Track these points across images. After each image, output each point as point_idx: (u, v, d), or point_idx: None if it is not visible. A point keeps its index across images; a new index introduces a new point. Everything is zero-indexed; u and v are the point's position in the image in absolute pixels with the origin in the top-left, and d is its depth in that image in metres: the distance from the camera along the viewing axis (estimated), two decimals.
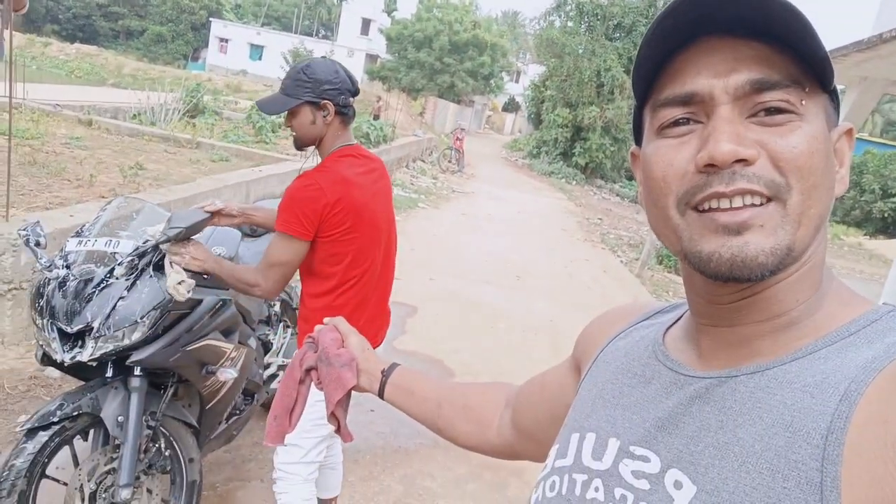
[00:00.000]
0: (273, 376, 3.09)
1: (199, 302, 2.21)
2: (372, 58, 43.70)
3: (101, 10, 52.75)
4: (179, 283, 1.95)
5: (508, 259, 8.35)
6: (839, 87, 0.58)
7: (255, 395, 2.86)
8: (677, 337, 0.69)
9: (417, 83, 33.06)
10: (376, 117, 22.19)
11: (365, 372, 1.05)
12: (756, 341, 0.59)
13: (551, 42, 22.30)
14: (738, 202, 0.55)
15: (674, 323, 0.72)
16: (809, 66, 0.56)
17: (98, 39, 49.18)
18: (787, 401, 0.53)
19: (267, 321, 3.14)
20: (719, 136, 0.54)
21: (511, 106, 51.94)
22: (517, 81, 48.65)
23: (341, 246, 2.01)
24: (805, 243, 0.56)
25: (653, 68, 0.60)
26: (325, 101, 1.98)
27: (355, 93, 2.06)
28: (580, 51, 21.63)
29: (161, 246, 2.01)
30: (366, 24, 47.59)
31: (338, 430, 1.07)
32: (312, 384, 1.09)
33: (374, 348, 2.16)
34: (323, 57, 2.10)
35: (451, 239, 8.94)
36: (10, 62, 3.62)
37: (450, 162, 17.40)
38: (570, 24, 22.86)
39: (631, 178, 23.52)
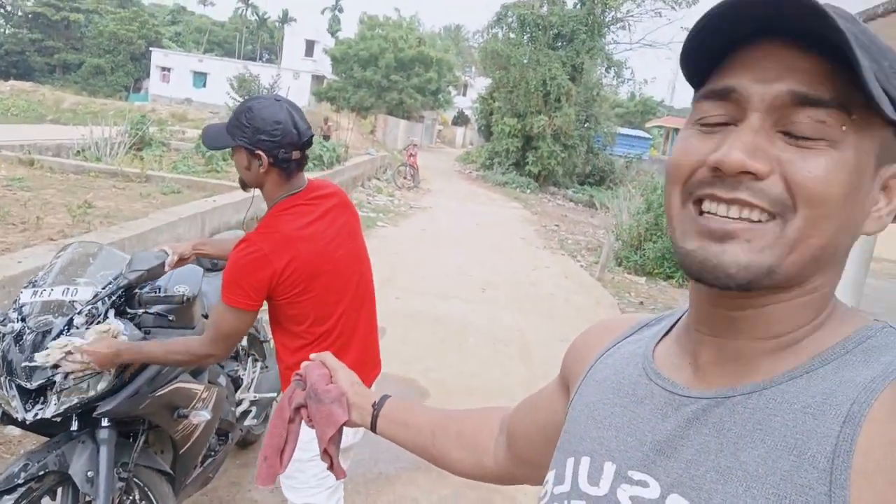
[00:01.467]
0: (246, 413, 3.01)
1: None
2: (318, 79, 43.58)
3: (34, 44, 51.40)
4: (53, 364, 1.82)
5: (471, 272, 8.37)
6: None
7: (230, 434, 2.78)
8: (669, 352, 0.68)
9: (366, 102, 33.10)
10: (326, 138, 22.35)
11: (356, 406, 1.02)
12: (754, 359, 0.59)
13: (496, 54, 22.61)
14: (734, 212, 0.54)
15: (662, 337, 0.71)
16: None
17: (33, 75, 47.76)
18: (788, 422, 0.53)
19: (235, 357, 3.06)
20: (735, 142, 0.54)
21: (460, 119, 52.35)
22: (465, 95, 49.11)
23: (299, 308, 1.89)
24: (794, 270, 0.55)
25: (707, 59, 0.59)
26: (259, 152, 1.82)
27: (303, 145, 1.88)
28: (525, 61, 21.99)
29: (52, 353, 1.82)
30: (310, 45, 47.45)
31: (331, 467, 1.05)
32: (303, 423, 1.06)
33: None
34: (277, 99, 1.90)
35: (413, 256, 8.92)
36: None
37: (405, 178, 17.41)
38: (512, 35, 23.23)
39: (582, 183, 23.94)
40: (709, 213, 0.56)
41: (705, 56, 0.58)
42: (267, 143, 1.81)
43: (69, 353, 1.81)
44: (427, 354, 5.18)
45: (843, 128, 0.52)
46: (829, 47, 0.51)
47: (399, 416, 1.01)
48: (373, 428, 1.01)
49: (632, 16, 24.09)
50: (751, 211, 0.54)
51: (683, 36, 0.62)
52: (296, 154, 1.87)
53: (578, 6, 22.84)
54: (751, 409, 0.55)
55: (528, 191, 21.35)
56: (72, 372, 1.84)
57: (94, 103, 31.59)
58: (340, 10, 71.47)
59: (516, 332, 6.11)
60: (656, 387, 0.64)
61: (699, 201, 0.57)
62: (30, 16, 53.66)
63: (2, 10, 55.75)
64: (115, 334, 1.92)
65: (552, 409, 0.84)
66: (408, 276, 7.66)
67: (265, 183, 1.91)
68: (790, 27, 0.53)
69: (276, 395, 3.10)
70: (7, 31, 54.18)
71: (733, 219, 0.54)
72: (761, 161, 0.53)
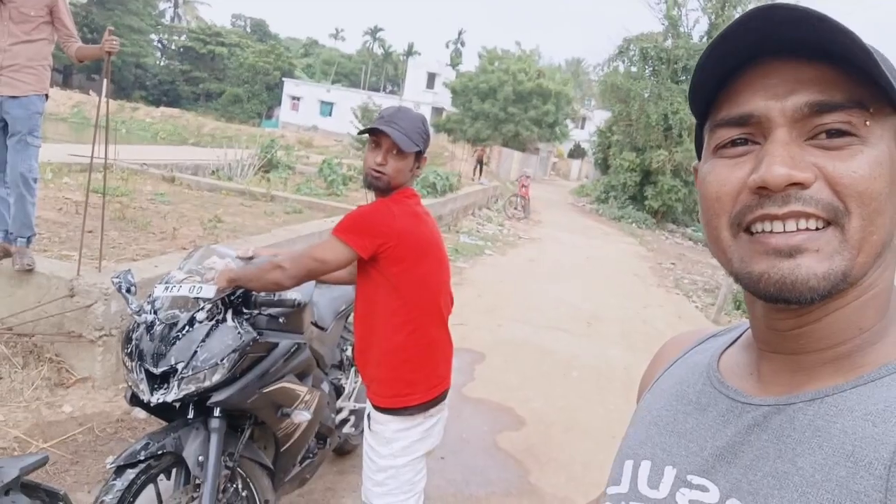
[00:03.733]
0: (345, 421, 3.11)
1: (276, 345, 2.28)
2: (437, 111, 44.78)
3: (183, 75, 56.49)
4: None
5: (579, 305, 8.22)
6: None
7: (328, 439, 2.89)
8: (733, 362, 0.68)
9: (482, 133, 33.62)
10: (480, 161, 24.10)
11: None
12: (817, 369, 0.58)
13: (616, 87, 22.31)
14: (791, 226, 0.54)
15: (728, 347, 0.71)
16: (876, 86, 0.53)
17: (181, 102, 52.47)
18: (847, 429, 0.51)
19: (339, 366, 3.18)
20: (773, 158, 0.54)
21: (577, 152, 51.93)
22: (582, 128, 48.73)
23: (404, 284, 2.00)
24: (863, 270, 0.54)
25: (711, 88, 0.60)
26: (425, 157, 2.10)
27: None
28: (646, 95, 21.54)
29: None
30: (431, 77, 48.98)
31: None
32: None
33: (445, 390, 2.15)
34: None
35: (519, 285, 8.89)
36: (105, 127, 3.90)
37: (515, 209, 17.44)
38: (633, 68, 22.85)
39: None
40: (763, 232, 0.55)
41: (705, 88, 0.60)
42: (426, 147, 2.10)
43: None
44: (527, 384, 5.13)
45: (867, 123, 0.54)
46: (823, 52, 0.53)
47: None
48: None
49: None
50: (807, 220, 0.53)
51: None
52: None
53: (705, 39, 22.17)
54: (811, 415, 0.54)
55: (645, 227, 20.74)
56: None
57: (231, 129, 34.24)
58: (462, 44, 73.50)
59: (622, 369, 5.92)
60: (720, 395, 0.64)
61: (748, 228, 0.57)
62: (181, 49, 59.20)
63: (158, 44, 61.90)
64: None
65: None
66: (512, 305, 7.64)
67: (409, 181, 2.11)
68: (782, 44, 0.54)
69: None
70: (162, 63, 59.97)
71: (793, 232, 0.54)
72: (804, 169, 0.53)
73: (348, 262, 2.00)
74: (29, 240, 3.95)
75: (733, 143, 0.58)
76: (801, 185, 0.53)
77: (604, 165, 26.97)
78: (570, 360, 5.92)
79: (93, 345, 3.66)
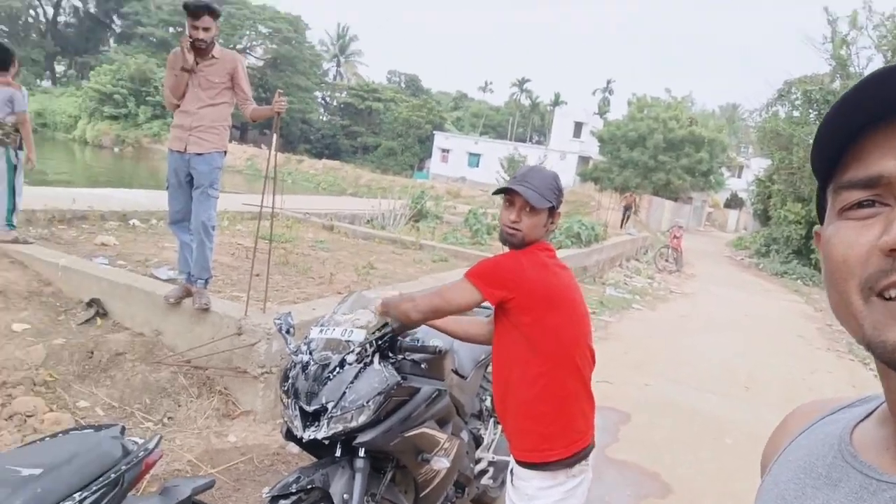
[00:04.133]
0: (483, 472, 3.11)
1: (418, 390, 2.36)
2: (584, 159, 44.49)
3: (343, 129, 60.86)
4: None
5: (734, 366, 7.66)
6: None
7: (466, 489, 2.90)
8: (868, 435, 0.63)
9: (631, 182, 32.82)
10: (628, 208, 23.28)
11: None
12: None
13: (776, 134, 20.96)
14: None
15: (863, 419, 0.65)
16: None
17: (341, 155, 56.45)
18: None
19: (478, 415, 3.21)
20: None
21: (734, 202, 49.10)
22: (739, 176, 46.12)
23: (536, 335, 2.02)
24: None
25: (835, 149, 0.59)
26: (559, 212, 2.14)
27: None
28: (810, 141, 20.02)
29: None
30: (577, 126, 48.90)
31: None
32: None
33: (586, 447, 2.09)
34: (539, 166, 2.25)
35: (669, 342, 8.47)
36: (273, 179, 4.31)
37: (666, 261, 16.73)
38: (796, 113, 21.40)
39: None
40: None
41: (828, 149, 0.58)
42: (559, 203, 2.13)
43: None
44: (675, 448, 4.83)
45: None
46: None
47: None
48: None
49: None
50: None
51: None
52: None
53: None
54: None
55: (811, 283, 19.02)
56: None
57: (385, 180, 36.21)
58: (611, 92, 72.87)
59: None
60: (853, 470, 0.60)
61: (881, 293, 0.53)
62: (342, 105, 63.94)
63: (322, 101, 67.42)
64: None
65: None
66: (661, 362, 7.28)
67: (543, 236, 2.15)
68: None
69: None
70: (324, 119, 65.12)
71: None
72: None
73: (474, 305, 2.09)
74: (206, 282, 4.40)
75: (860, 204, 0.56)
76: None
77: (764, 216, 25.23)
78: (724, 424, 5.51)
79: (255, 380, 3.97)
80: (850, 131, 0.57)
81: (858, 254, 0.55)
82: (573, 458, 2.04)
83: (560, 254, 10.88)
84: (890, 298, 0.53)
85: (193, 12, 4.11)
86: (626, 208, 24.41)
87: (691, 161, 32.47)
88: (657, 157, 32.62)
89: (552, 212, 2.12)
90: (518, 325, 2.01)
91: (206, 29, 4.13)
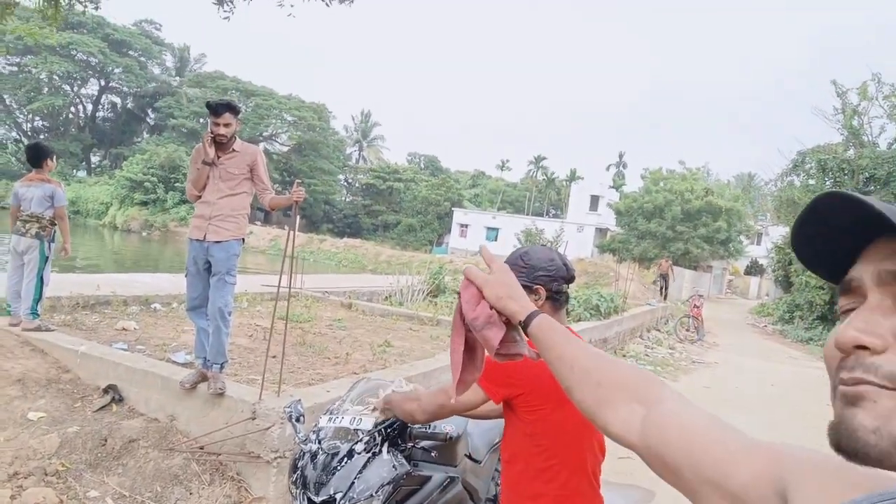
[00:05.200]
0: None
1: (429, 478, 2.31)
2: (601, 231, 44.67)
3: (364, 209, 62.05)
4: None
5: (763, 440, 7.40)
6: None
7: None
8: None
9: (650, 252, 32.77)
10: (664, 276, 21.70)
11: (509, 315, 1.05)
12: None
13: (792, 202, 20.99)
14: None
15: None
16: None
17: (362, 233, 57.32)
18: None
19: (494, 499, 3.12)
20: (850, 320, 0.56)
21: (754, 269, 48.64)
22: (758, 243, 45.85)
23: (540, 432, 1.95)
24: None
25: (845, 257, 0.63)
26: (538, 286, 2.03)
27: (569, 279, 2.10)
28: None
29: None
30: (594, 200, 49.38)
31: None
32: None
33: None
34: (543, 244, 2.23)
35: None
36: (291, 265, 4.40)
37: (687, 330, 16.48)
38: (811, 181, 21.46)
39: None
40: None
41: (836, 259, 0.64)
42: (544, 278, 2.04)
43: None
44: None
45: None
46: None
47: (543, 339, 1.01)
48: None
49: None
50: (866, 386, 0.54)
51: None
52: (565, 287, 2.09)
53: (895, 146, 20.46)
54: None
55: None
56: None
57: (405, 256, 36.53)
58: (624, 166, 73.89)
59: None
60: None
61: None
62: (363, 186, 65.39)
63: (345, 183, 69.08)
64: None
65: (733, 474, 0.76)
66: None
67: None
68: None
69: None
70: (347, 199, 66.55)
71: (859, 381, 0.55)
72: (874, 335, 0.54)
73: (479, 405, 2.04)
74: (222, 366, 4.42)
75: (849, 311, 0.60)
76: (869, 351, 0.53)
77: (785, 282, 24.93)
78: None
79: (268, 465, 3.92)
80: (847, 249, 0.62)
81: (830, 351, 0.60)
82: None
83: (579, 326, 10.66)
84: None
85: (215, 110, 4.35)
86: (663, 276, 22.44)
87: (709, 230, 32.46)
88: (675, 227, 32.68)
89: (531, 289, 2.04)
90: (524, 420, 1.96)
91: (226, 125, 4.36)
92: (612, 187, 52.90)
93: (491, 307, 1.06)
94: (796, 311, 21.75)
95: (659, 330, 16.60)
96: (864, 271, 0.59)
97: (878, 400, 0.52)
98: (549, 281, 2.04)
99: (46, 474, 3.61)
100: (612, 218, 38.46)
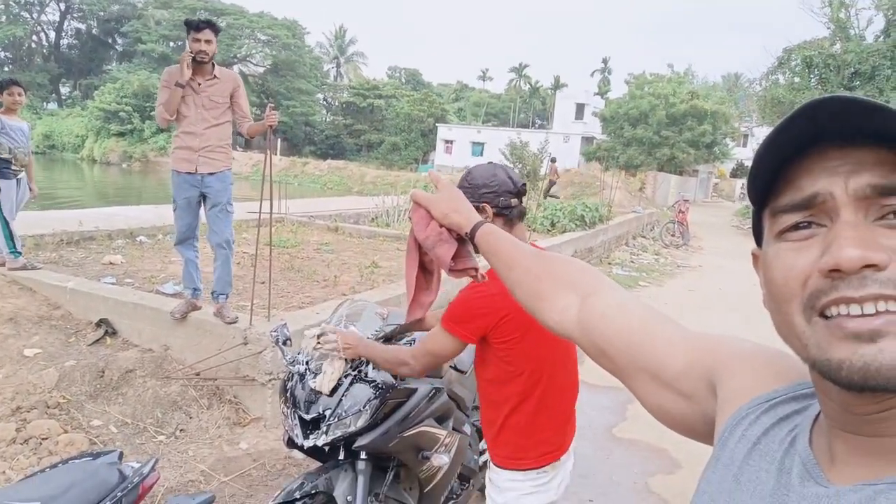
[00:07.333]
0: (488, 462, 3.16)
1: (414, 391, 2.41)
2: (587, 140, 44.26)
3: (346, 128, 60.82)
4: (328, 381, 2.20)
5: (745, 339, 7.66)
6: None
7: (471, 480, 2.96)
8: (818, 433, 0.64)
9: (636, 160, 32.67)
10: (552, 183, 19.78)
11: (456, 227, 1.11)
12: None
13: (777, 101, 20.81)
14: (870, 308, 0.52)
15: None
16: None
17: (345, 154, 56.48)
18: None
19: (479, 408, 3.26)
20: (844, 240, 0.53)
21: (740, 171, 48.73)
22: (745, 145, 45.78)
23: (512, 356, 1.98)
24: None
25: (769, 175, 0.61)
26: (483, 203, 1.99)
27: (518, 193, 2.05)
28: None
29: (314, 337, 2.25)
30: (579, 108, 48.60)
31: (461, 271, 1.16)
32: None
33: (564, 453, 2.12)
34: (490, 162, 2.14)
35: (676, 317, 8.39)
36: (270, 190, 4.40)
37: (672, 236, 16.69)
38: (797, 79, 21.21)
39: None
40: (840, 315, 0.53)
41: (763, 175, 0.61)
42: (489, 195, 2.01)
43: (321, 335, 2.22)
44: None
45: None
46: (880, 139, 0.54)
47: (488, 247, 1.07)
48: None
49: None
50: (887, 302, 0.51)
51: None
52: (514, 201, 2.04)
53: (882, 38, 20.10)
54: (893, 500, 0.52)
55: None
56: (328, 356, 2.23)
57: (390, 175, 36.24)
58: (609, 72, 72.32)
59: None
60: (800, 465, 0.62)
61: (823, 312, 0.55)
62: (344, 105, 63.90)
63: (324, 102, 67.44)
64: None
65: (668, 357, 0.82)
66: None
67: None
68: (841, 133, 0.55)
69: None
70: (327, 119, 65.17)
71: (872, 315, 0.52)
72: (878, 250, 0.52)
73: (459, 351, 2.06)
74: (227, 296, 4.49)
75: (797, 226, 0.58)
76: (876, 267, 0.51)
77: None
78: None
79: (263, 387, 4.06)
80: (782, 158, 0.59)
81: (798, 275, 0.57)
82: (542, 468, 2.06)
83: (564, 237, 10.74)
84: (830, 317, 0.54)
85: (196, 27, 4.23)
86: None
87: (694, 134, 32.27)
88: (660, 132, 32.45)
89: (478, 209, 1.93)
90: (495, 347, 2.00)
91: (207, 41, 4.24)
92: (598, 94, 52.08)
93: (441, 225, 1.09)
94: None
95: (645, 237, 16.80)
96: (833, 185, 0.55)
97: None
98: (494, 197, 2.01)
99: (49, 407, 3.72)
100: (598, 126, 38.06)
